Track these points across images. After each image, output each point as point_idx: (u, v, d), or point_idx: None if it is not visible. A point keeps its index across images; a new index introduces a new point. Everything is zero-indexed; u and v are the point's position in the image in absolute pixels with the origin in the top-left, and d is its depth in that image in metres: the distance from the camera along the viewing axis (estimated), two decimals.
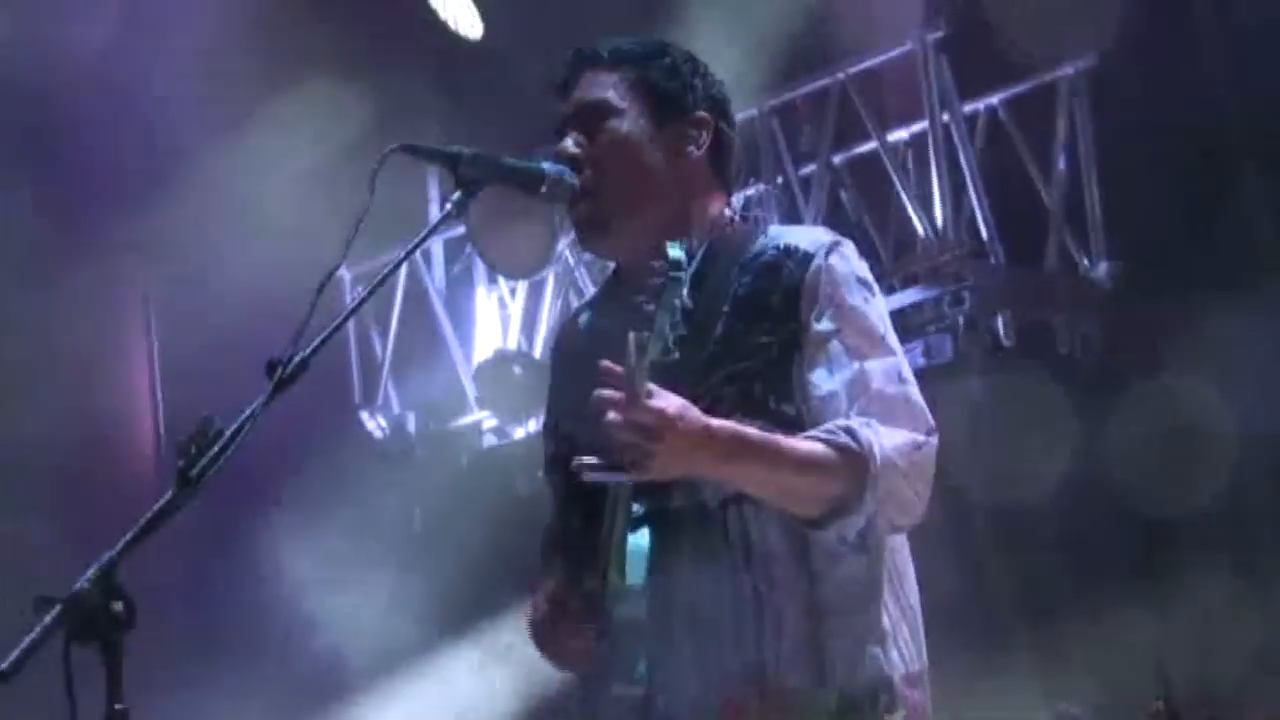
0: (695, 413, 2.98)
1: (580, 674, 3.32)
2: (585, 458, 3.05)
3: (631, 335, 2.95)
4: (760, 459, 3.03)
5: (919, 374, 3.28)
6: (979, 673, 6.99)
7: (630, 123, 3.36)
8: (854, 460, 3.03)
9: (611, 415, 2.94)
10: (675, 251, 3.07)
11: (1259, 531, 7.44)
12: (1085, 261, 8.11)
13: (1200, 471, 7.24)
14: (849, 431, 3.05)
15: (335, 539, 8.88)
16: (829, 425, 3.08)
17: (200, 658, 8.73)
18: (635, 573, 3.14)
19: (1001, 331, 7.86)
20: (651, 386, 2.95)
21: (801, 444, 3.06)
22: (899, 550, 3.30)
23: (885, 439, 3.07)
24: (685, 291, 3.04)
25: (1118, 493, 7.36)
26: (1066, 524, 7.66)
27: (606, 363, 2.97)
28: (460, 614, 9.01)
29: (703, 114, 3.42)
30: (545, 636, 3.29)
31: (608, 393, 2.96)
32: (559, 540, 3.43)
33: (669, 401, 2.95)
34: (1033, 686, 7.52)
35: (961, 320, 7.87)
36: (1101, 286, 8.03)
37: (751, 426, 3.10)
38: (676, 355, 3.03)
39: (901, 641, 3.24)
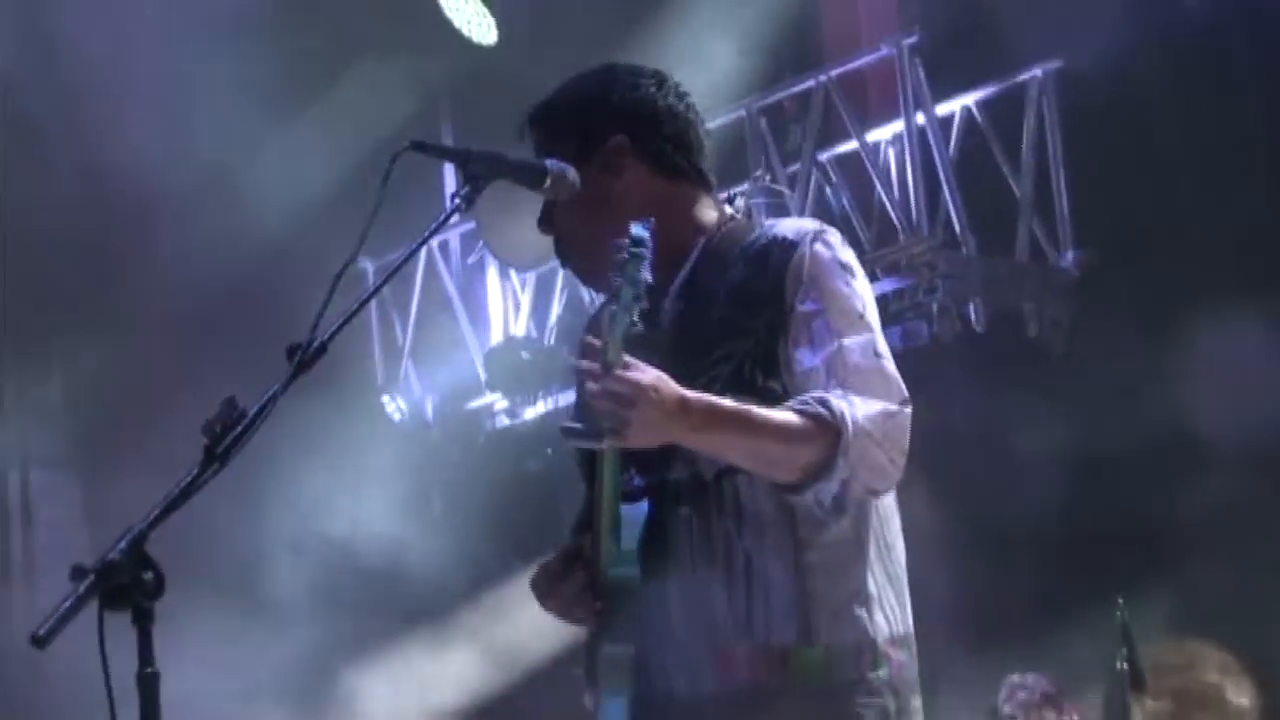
0: (670, 385, 2.97)
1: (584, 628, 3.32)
2: (568, 422, 3.07)
3: (605, 311, 2.97)
4: (735, 428, 3.02)
5: (896, 356, 3.26)
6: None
7: (567, 190, 3.25)
8: (826, 428, 3.02)
9: (589, 385, 2.95)
10: (637, 230, 3.06)
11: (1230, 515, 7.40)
12: (1054, 251, 8.10)
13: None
14: (822, 402, 3.04)
15: (359, 514, 8.92)
16: (804, 396, 3.08)
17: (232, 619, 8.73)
18: (630, 538, 3.14)
19: (973, 317, 7.92)
20: (630, 359, 2.95)
21: (776, 414, 3.04)
22: (888, 521, 3.28)
23: (859, 408, 3.05)
24: (647, 266, 3.01)
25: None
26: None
27: (588, 338, 3.00)
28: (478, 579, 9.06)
29: (615, 139, 3.37)
30: (545, 591, 3.28)
31: (585, 364, 2.99)
32: (582, 516, 3.41)
33: (645, 373, 2.95)
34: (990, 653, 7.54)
35: (935, 307, 7.90)
36: (1069, 275, 8.04)
37: (740, 401, 3.09)
38: (640, 327, 3.01)
39: (887, 606, 3.22)
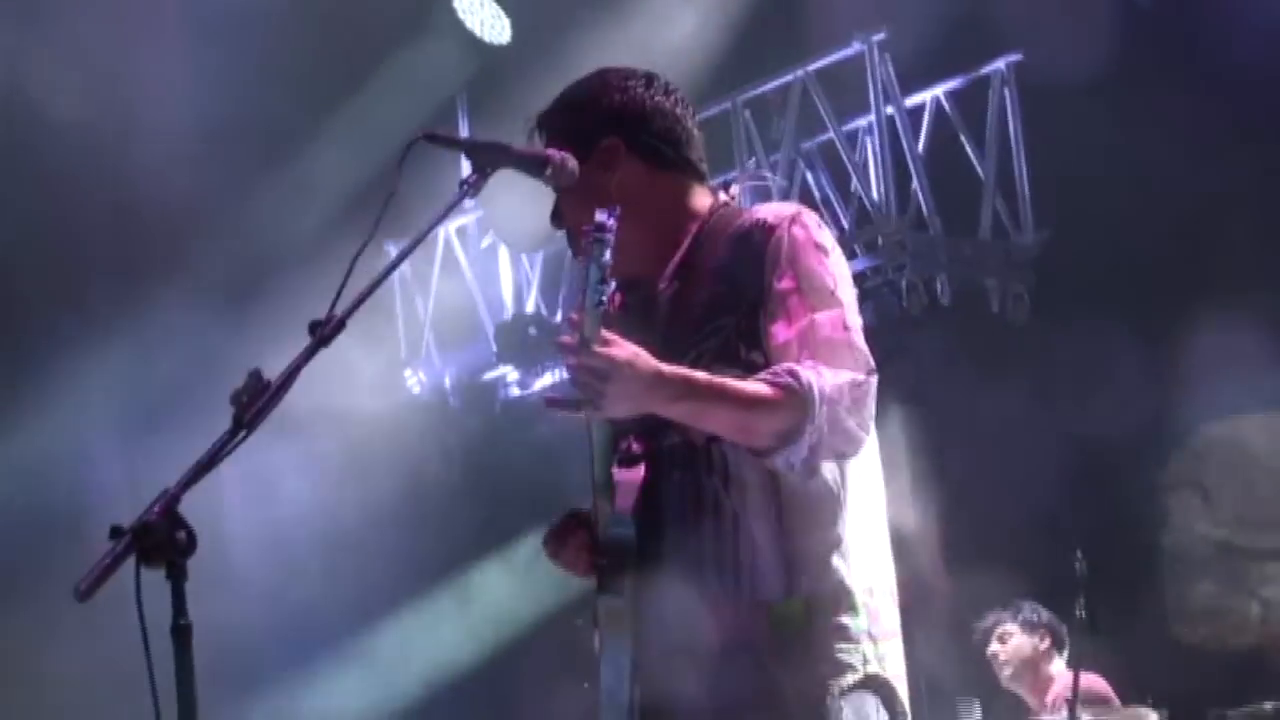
0: (647, 359, 2.97)
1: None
2: (551, 394, 3.11)
3: (583, 291, 2.96)
4: (708, 398, 3.02)
5: (870, 330, 3.25)
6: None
7: (566, 177, 3.28)
8: (795, 397, 3.00)
9: (567, 360, 2.95)
10: (601, 216, 3.04)
11: None
12: (1015, 230, 8.09)
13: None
14: (791, 373, 3.02)
15: (385, 479, 8.93)
16: (775, 368, 3.06)
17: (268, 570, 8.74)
18: (626, 499, 3.14)
19: (940, 292, 7.92)
20: (608, 335, 2.95)
21: (748, 385, 3.03)
22: (867, 480, 3.28)
23: (826, 378, 3.03)
24: (610, 250, 2.99)
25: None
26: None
27: (571, 315, 2.99)
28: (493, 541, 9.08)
29: (608, 139, 3.35)
30: (553, 548, 3.30)
31: (564, 339, 2.97)
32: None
33: (621, 349, 2.94)
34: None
35: (905, 283, 7.90)
36: (1029, 252, 8.03)
37: (726, 374, 3.08)
38: (605, 306, 3.01)
39: (864, 559, 3.21)
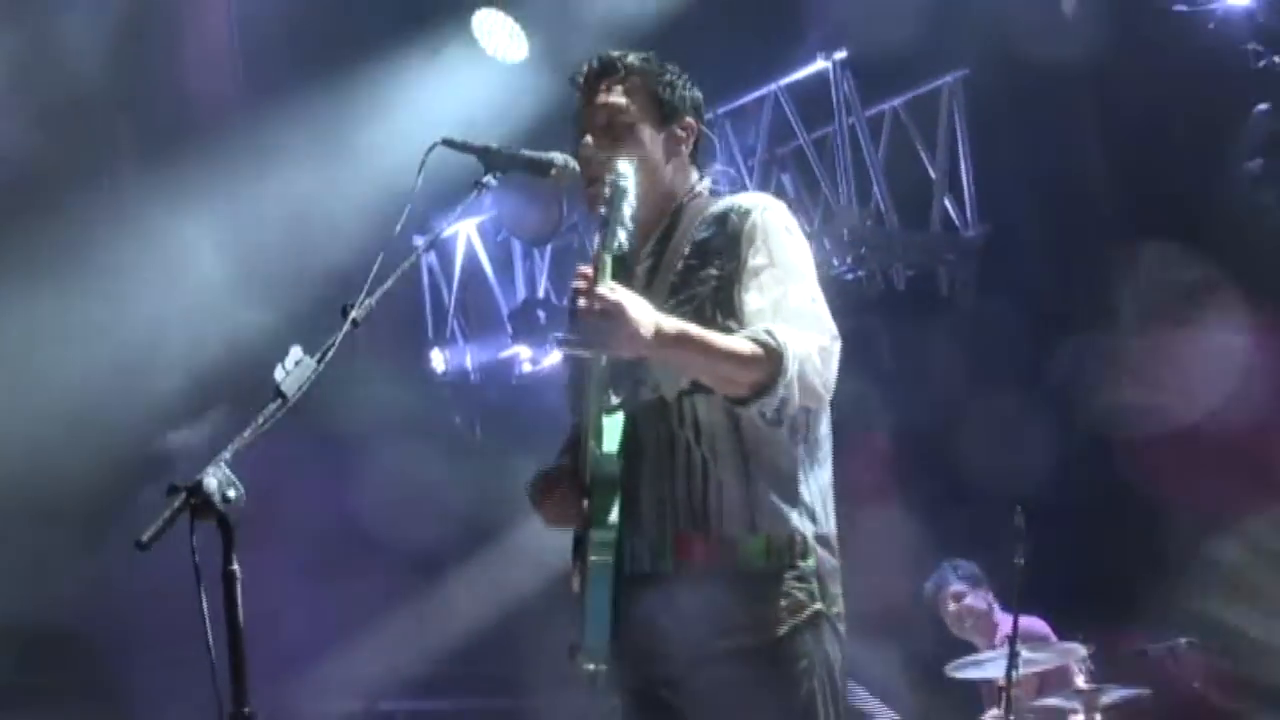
0: (648, 307, 2.99)
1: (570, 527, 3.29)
2: (562, 334, 3.09)
3: (596, 236, 2.99)
4: (697, 347, 3.02)
5: (834, 311, 3.23)
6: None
7: (637, 122, 3.30)
8: (772, 353, 3.00)
9: (580, 301, 2.95)
10: (623, 165, 3.09)
11: None
12: (962, 224, 8.08)
13: None
14: (769, 333, 3.03)
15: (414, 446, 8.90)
16: (754, 328, 3.07)
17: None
18: (611, 442, 3.12)
19: (895, 279, 7.93)
20: (614, 284, 2.96)
21: (732, 339, 3.04)
22: (820, 443, 3.25)
23: (798, 340, 3.04)
24: (631, 195, 3.05)
25: None
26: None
27: (582, 267, 3.01)
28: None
29: (689, 119, 3.38)
30: (539, 492, 3.29)
31: (578, 283, 2.99)
32: (569, 441, 3.41)
33: (627, 294, 2.97)
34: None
35: (864, 270, 7.90)
36: (974, 243, 8.02)
37: None
38: (628, 246, 3.05)
39: (816, 509, 3.20)
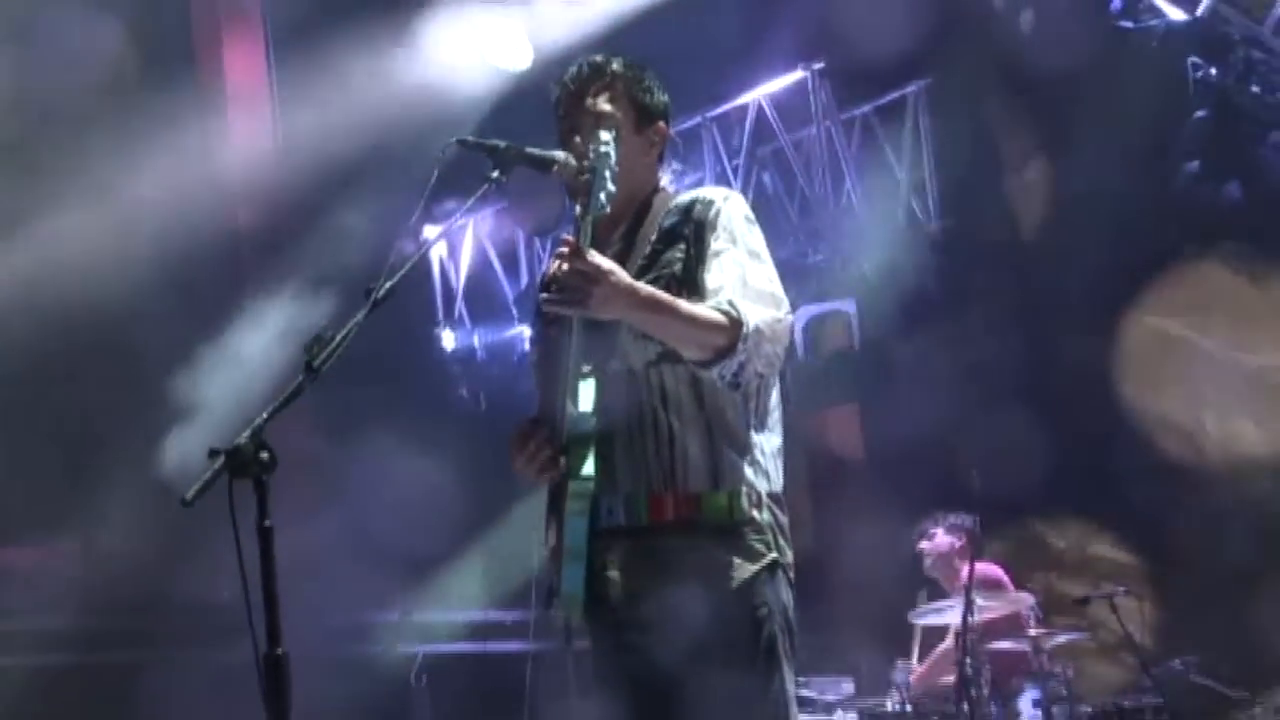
0: (624, 272, 3.02)
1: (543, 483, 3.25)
2: (545, 294, 3.11)
3: (576, 204, 3.01)
4: (669, 310, 3.05)
5: (810, 299, 3.27)
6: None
7: (569, 174, 3.27)
8: (733, 322, 3.04)
9: (565, 262, 2.98)
10: (604, 134, 3.11)
11: None
12: (925, 219, 8.10)
13: None
14: (731, 304, 3.08)
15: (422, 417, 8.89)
16: (719, 299, 3.11)
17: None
18: (586, 403, 3.13)
19: (865, 268, 7.94)
20: (594, 252, 2.98)
21: (699, 306, 3.08)
22: (773, 412, 3.28)
23: (756, 312, 3.09)
24: (612, 161, 3.07)
25: None
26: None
27: (565, 235, 3.02)
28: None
29: (662, 124, 3.40)
30: (518, 446, 3.23)
31: (563, 248, 3.00)
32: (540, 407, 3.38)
33: (606, 260, 2.99)
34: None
35: (838, 260, 7.90)
36: (936, 236, 8.03)
37: None
38: (608, 208, 3.06)
39: (770, 470, 3.23)
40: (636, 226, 3.29)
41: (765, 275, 3.18)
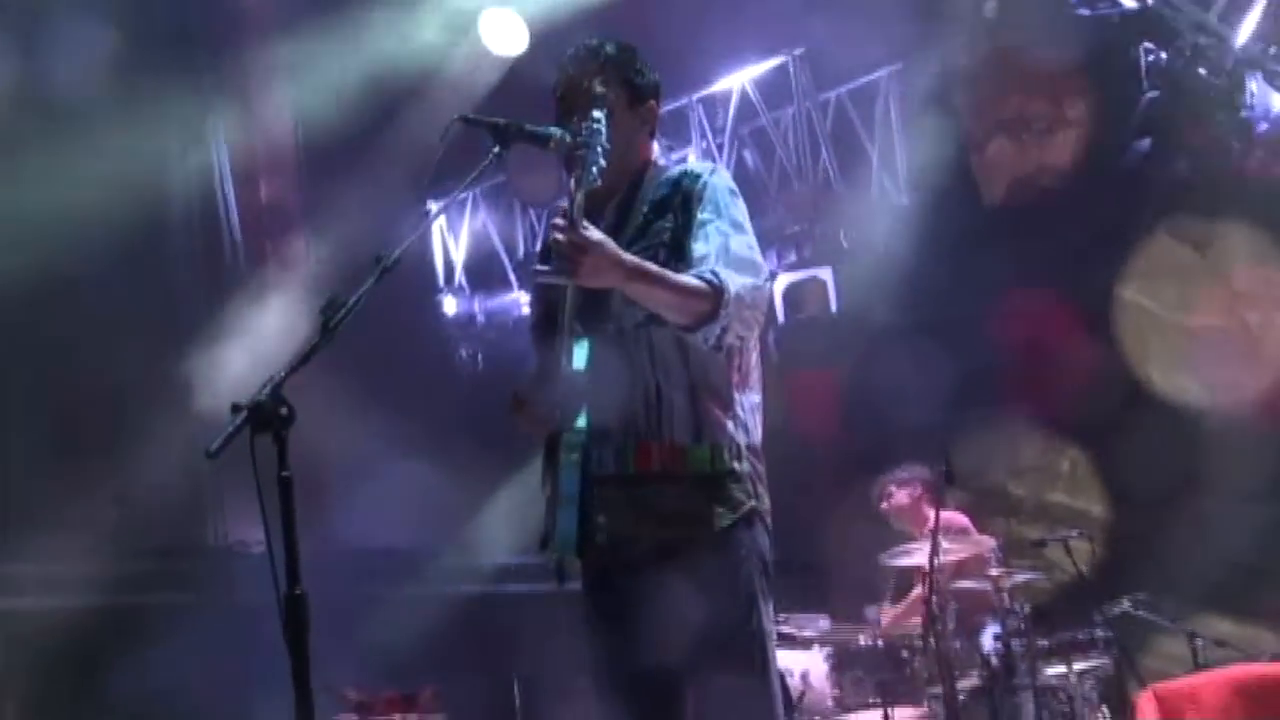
0: (614, 244, 3.02)
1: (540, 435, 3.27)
2: (538, 266, 3.13)
3: (570, 178, 3.01)
4: (654, 281, 3.05)
5: (789, 267, 3.27)
6: None
7: (565, 149, 3.24)
8: (715, 290, 3.05)
9: (558, 235, 2.97)
10: (597, 113, 3.11)
11: None
12: (896, 192, 8.09)
13: None
14: (713, 273, 3.09)
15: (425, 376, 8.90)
16: (700, 269, 3.12)
17: None
18: (579, 361, 3.13)
19: (842, 237, 7.94)
20: (587, 224, 2.98)
21: (684, 276, 3.09)
22: (752, 371, 3.29)
23: (737, 280, 3.09)
24: (604, 138, 3.07)
25: None
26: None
27: (561, 203, 3.02)
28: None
29: (652, 103, 3.38)
30: (518, 404, 3.26)
31: (557, 220, 3.00)
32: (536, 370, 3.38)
33: (597, 232, 3.00)
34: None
35: (816, 231, 7.90)
36: (906, 208, 8.03)
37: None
38: (599, 181, 3.05)
39: (749, 424, 3.24)
40: (630, 198, 3.29)
41: (746, 244, 3.18)
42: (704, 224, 3.19)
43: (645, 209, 3.26)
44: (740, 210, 3.25)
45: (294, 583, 2.61)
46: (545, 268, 3.07)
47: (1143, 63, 6.79)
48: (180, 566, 7.42)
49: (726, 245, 3.15)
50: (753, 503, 3.17)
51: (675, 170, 3.30)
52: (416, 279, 9.24)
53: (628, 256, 3.02)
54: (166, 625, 6.66)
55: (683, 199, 3.23)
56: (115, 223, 6.65)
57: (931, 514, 6.60)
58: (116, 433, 7.17)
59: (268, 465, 2.63)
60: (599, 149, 3.07)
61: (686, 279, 3.07)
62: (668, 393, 3.16)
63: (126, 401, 7.19)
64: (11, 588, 6.78)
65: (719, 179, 3.26)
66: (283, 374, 2.69)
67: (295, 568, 2.61)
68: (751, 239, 3.22)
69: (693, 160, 3.41)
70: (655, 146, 3.45)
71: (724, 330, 3.07)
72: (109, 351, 7.05)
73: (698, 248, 3.17)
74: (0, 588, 6.78)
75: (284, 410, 2.64)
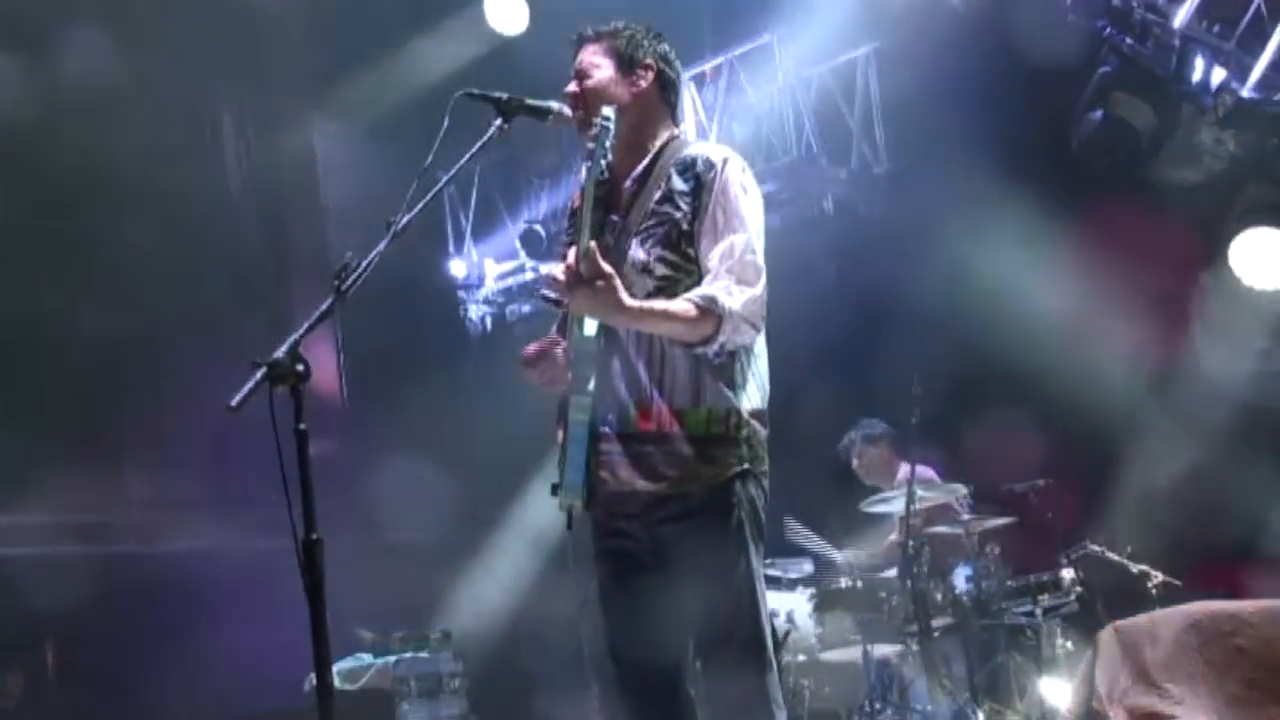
0: (617, 284, 3.04)
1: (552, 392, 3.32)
2: (543, 289, 3.17)
3: (588, 165, 3.06)
4: (653, 318, 3.11)
5: (777, 233, 3.26)
6: None
7: (603, 73, 3.32)
8: (714, 316, 3.11)
9: (569, 260, 3.06)
10: (608, 110, 3.11)
11: None
12: (875, 162, 8.05)
13: None
14: (711, 298, 3.12)
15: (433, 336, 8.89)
16: (701, 292, 3.14)
17: None
18: (590, 328, 3.16)
19: (826, 206, 7.92)
20: (597, 255, 3.01)
21: (680, 306, 3.12)
22: (754, 344, 3.30)
23: (735, 299, 3.13)
24: (612, 134, 3.09)
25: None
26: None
27: (574, 196, 3.11)
28: None
29: (649, 61, 3.37)
30: (532, 360, 3.29)
31: (570, 253, 3.07)
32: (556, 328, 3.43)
33: (605, 266, 3.02)
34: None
35: (800, 200, 7.93)
36: (885, 178, 8.00)
37: (665, 255, 3.17)
38: (608, 176, 3.09)
39: (750, 390, 3.26)
40: (649, 172, 3.30)
41: (748, 245, 3.20)
42: (713, 217, 3.20)
43: (662, 186, 3.26)
44: (750, 205, 3.25)
45: (310, 528, 2.61)
46: (547, 292, 3.14)
47: (1103, 39, 6.73)
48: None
49: (731, 246, 3.17)
50: (746, 464, 3.19)
51: (692, 151, 3.30)
52: (426, 244, 9.24)
53: (629, 300, 3.05)
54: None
55: (695, 184, 3.23)
56: None
57: (902, 467, 6.61)
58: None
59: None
60: (607, 143, 3.09)
61: (686, 308, 3.11)
62: (671, 358, 3.19)
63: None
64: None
65: (731, 170, 3.25)
66: (299, 334, 2.70)
67: (312, 513, 2.61)
68: (754, 239, 3.22)
69: (708, 146, 3.38)
70: (673, 123, 3.42)
71: (723, 346, 3.13)
72: None
73: (705, 243, 3.20)
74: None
75: (300, 367, 2.63)
